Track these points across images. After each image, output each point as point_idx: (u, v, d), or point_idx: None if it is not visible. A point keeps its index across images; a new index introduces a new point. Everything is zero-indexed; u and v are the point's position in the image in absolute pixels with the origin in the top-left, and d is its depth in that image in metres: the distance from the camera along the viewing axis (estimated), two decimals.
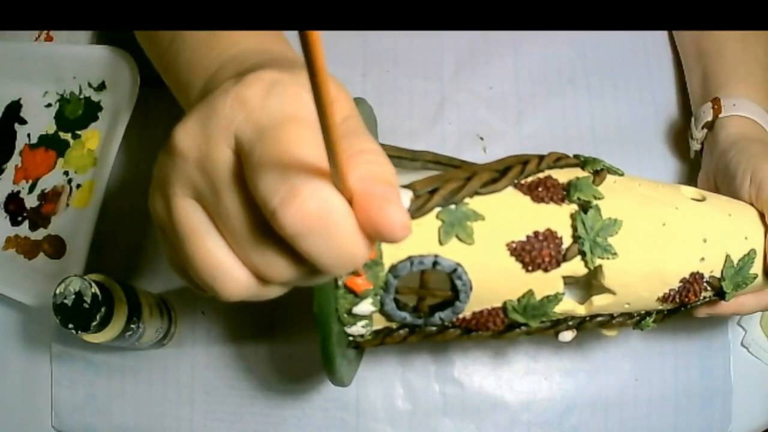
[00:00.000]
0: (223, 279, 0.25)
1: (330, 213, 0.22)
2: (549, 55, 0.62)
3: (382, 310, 0.37)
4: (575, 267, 0.37)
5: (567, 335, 0.41)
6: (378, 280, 0.36)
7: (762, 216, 0.43)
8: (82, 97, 0.63)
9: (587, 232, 0.36)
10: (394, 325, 0.39)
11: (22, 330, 0.59)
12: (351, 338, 0.39)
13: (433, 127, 0.60)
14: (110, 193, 0.58)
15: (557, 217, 0.37)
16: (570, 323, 0.40)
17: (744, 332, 0.56)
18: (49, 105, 0.64)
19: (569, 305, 0.39)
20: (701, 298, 0.42)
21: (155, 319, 0.52)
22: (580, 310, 0.40)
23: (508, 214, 0.37)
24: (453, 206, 0.36)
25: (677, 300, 0.40)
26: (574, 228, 0.37)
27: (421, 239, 0.36)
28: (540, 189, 0.38)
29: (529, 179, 0.38)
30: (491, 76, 0.62)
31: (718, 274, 0.41)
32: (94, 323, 0.45)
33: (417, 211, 0.35)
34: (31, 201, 0.61)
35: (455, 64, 0.62)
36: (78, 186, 0.61)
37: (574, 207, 0.37)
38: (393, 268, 0.36)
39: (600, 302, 0.39)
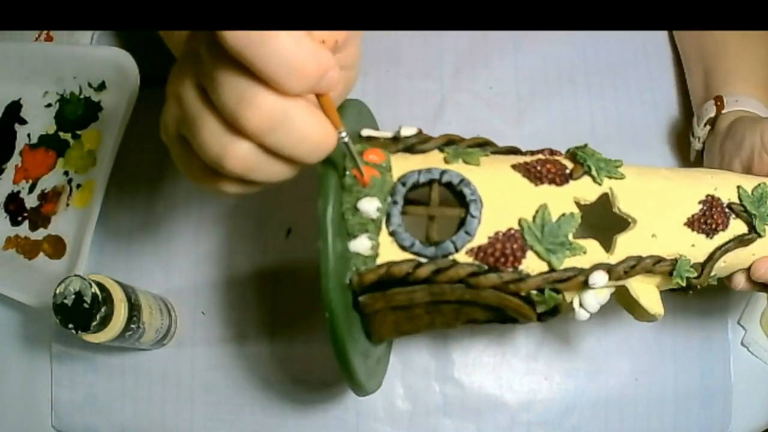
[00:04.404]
0: (227, 150, 0.28)
1: (286, 108, 0.26)
2: (549, 55, 0.62)
3: (389, 224, 0.35)
4: (585, 187, 0.37)
5: (600, 279, 0.37)
6: (385, 185, 0.35)
7: None
8: (82, 97, 0.63)
9: (589, 156, 0.38)
10: (403, 257, 0.36)
11: (22, 330, 0.59)
12: (353, 270, 0.35)
13: (433, 127, 0.60)
14: (110, 193, 0.58)
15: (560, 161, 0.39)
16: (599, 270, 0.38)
17: (744, 332, 0.56)
18: (49, 105, 0.64)
19: (593, 252, 0.37)
20: (731, 226, 0.40)
21: (155, 319, 0.52)
22: (606, 258, 0.37)
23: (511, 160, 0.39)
24: (456, 146, 0.38)
25: (707, 225, 0.39)
26: (574, 155, 0.39)
27: (427, 163, 0.36)
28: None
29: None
30: (491, 76, 0.62)
31: (736, 200, 0.40)
32: (94, 323, 0.45)
33: (421, 144, 0.37)
34: (31, 201, 0.61)
35: (455, 64, 0.62)
36: (78, 186, 0.61)
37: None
38: (401, 177, 0.35)
39: (624, 239, 0.38)
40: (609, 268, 0.37)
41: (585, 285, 0.37)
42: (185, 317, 0.57)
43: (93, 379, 0.56)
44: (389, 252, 0.35)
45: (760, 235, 0.41)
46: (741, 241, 0.40)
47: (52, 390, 0.57)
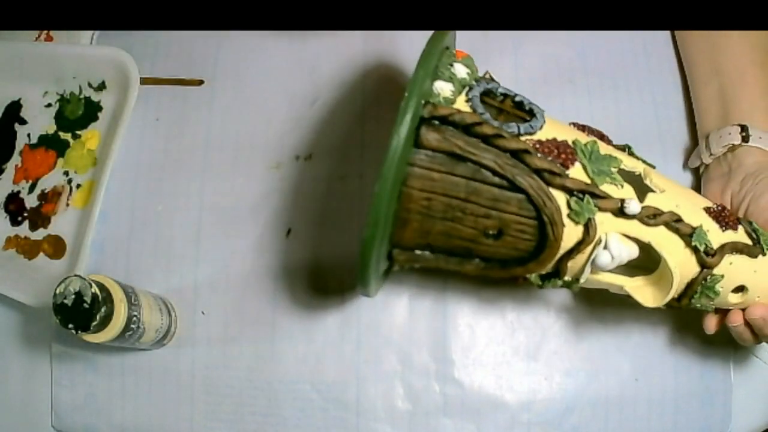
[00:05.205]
0: None
1: None
2: (549, 55, 0.62)
3: (469, 93, 0.41)
4: (624, 156, 0.43)
5: (634, 206, 0.40)
6: (473, 73, 0.42)
7: None
8: (82, 97, 0.63)
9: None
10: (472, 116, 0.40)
11: (22, 330, 0.59)
12: (429, 102, 0.39)
13: None
14: (110, 193, 0.58)
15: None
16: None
17: None
18: (49, 105, 0.64)
19: (628, 192, 0.41)
20: (740, 232, 0.44)
21: (155, 319, 0.52)
22: (636, 201, 0.41)
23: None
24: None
25: (722, 218, 0.43)
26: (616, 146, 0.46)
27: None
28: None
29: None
30: None
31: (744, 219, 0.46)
32: (94, 323, 0.45)
33: (491, 81, 0.43)
34: (31, 201, 0.61)
35: None
36: (78, 186, 0.61)
37: None
38: (488, 75, 0.43)
39: (653, 197, 0.42)
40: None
41: (620, 211, 0.40)
42: (185, 317, 0.57)
43: (93, 379, 0.56)
44: (463, 106, 0.40)
45: (764, 253, 0.44)
46: (748, 248, 0.43)
47: (52, 390, 0.57)
